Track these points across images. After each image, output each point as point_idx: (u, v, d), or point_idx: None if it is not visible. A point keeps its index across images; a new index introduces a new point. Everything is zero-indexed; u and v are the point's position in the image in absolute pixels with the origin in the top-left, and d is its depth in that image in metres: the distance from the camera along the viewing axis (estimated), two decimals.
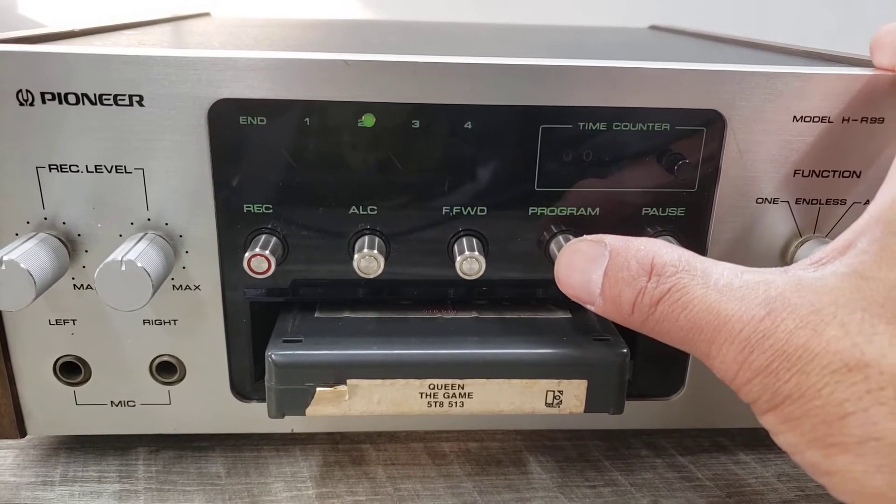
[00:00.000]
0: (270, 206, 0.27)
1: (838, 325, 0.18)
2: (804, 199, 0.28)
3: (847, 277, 0.19)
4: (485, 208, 0.27)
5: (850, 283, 0.18)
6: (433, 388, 0.26)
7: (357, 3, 0.90)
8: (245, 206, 0.27)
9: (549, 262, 0.27)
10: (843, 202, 0.28)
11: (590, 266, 0.23)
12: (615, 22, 0.75)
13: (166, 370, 0.29)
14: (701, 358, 0.21)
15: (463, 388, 0.26)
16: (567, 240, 0.27)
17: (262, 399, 0.29)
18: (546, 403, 0.26)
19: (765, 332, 0.19)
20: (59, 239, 0.26)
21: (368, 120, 0.26)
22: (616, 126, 0.27)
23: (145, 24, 0.41)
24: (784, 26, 0.91)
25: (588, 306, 0.24)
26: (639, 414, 0.31)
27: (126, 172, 0.26)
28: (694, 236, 0.28)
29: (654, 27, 0.64)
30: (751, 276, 0.20)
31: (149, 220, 0.26)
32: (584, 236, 0.24)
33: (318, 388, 0.25)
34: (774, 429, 0.19)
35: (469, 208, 0.27)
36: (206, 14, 0.59)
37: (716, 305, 0.20)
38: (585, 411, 0.26)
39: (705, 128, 0.27)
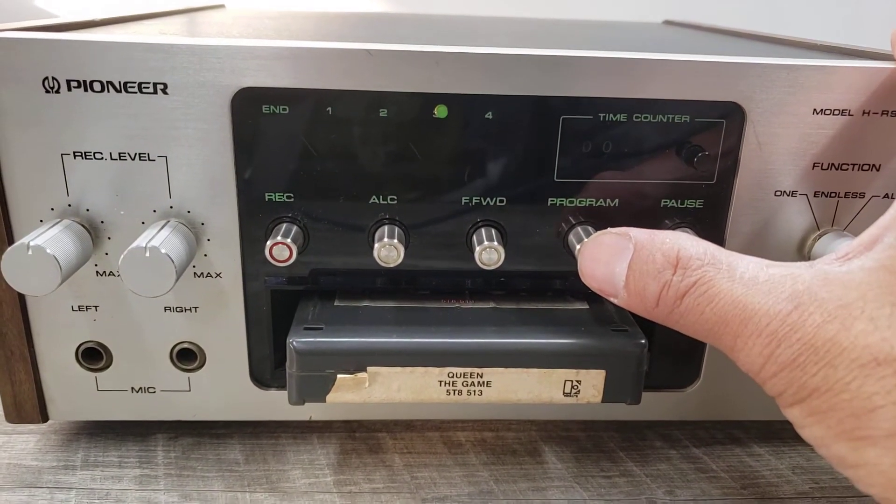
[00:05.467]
0: (292, 195, 0.27)
1: (867, 319, 0.18)
2: (823, 192, 0.28)
3: (875, 272, 0.19)
4: (504, 199, 0.27)
5: (877, 277, 0.19)
6: (452, 377, 0.26)
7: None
8: (267, 194, 0.27)
9: (568, 253, 0.28)
10: (862, 195, 0.28)
11: (614, 259, 0.23)
12: (625, 17, 0.75)
13: (186, 357, 0.29)
14: (725, 351, 0.21)
15: (481, 377, 0.26)
16: (586, 231, 0.27)
17: (281, 387, 0.29)
18: (564, 393, 0.26)
19: (792, 326, 0.19)
20: (83, 225, 0.26)
21: (391, 110, 0.26)
22: (636, 117, 0.27)
23: (163, 14, 0.41)
24: (794, 24, 0.90)
25: (612, 299, 0.24)
26: (654, 405, 0.31)
27: (149, 160, 0.26)
28: (712, 228, 0.28)
29: (668, 22, 0.64)
30: (777, 270, 0.20)
31: (171, 207, 0.26)
32: (609, 229, 0.24)
33: (338, 375, 0.25)
34: (800, 422, 0.19)
35: (488, 199, 0.27)
36: (221, 6, 0.59)
37: (742, 299, 0.20)
38: (603, 401, 0.26)
39: (725, 120, 0.27)
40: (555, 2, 0.89)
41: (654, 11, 0.73)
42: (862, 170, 0.28)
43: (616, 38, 0.43)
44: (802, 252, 0.29)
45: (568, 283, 0.29)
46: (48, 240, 0.24)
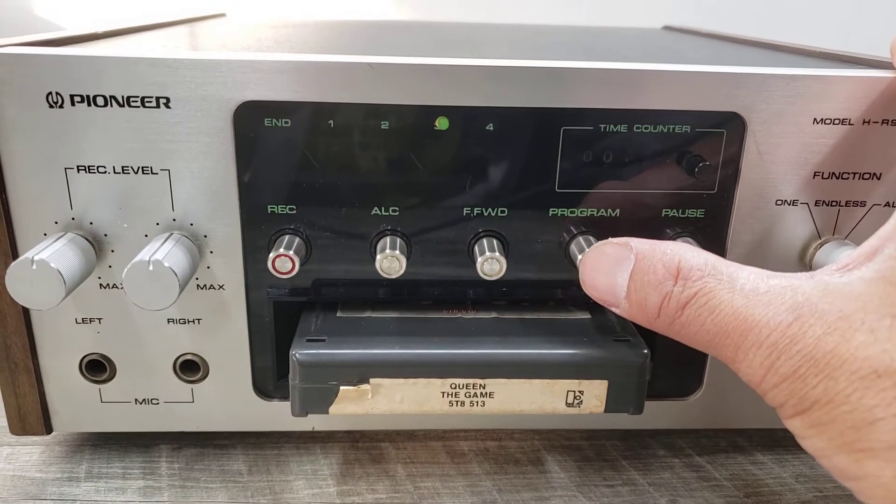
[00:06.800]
0: (294, 207, 0.27)
1: (867, 331, 0.18)
2: (824, 201, 0.28)
3: (875, 283, 0.19)
4: (505, 209, 0.28)
5: (878, 288, 0.19)
6: (455, 388, 0.26)
7: (369, 2, 0.90)
8: (269, 206, 0.27)
9: (570, 263, 0.28)
10: (863, 204, 0.28)
11: (615, 269, 0.23)
12: (626, 22, 0.75)
13: (190, 369, 0.29)
14: (726, 362, 0.21)
15: (484, 388, 0.26)
16: (587, 241, 0.27)
17: (284, 398, 0.30)
18: (567, 403, 0.26)
19: (792, 338, 0.19)
20: (87, 239, 0.26)
21: (392, 122, 0.26)
22: (636, 128, 0.27)
23: (165, 25, 0.41)
24: (793, 26, 0.90)
25: (613, 309, 0.24)
26: (656, 414, 0.31)
27: (152, 173, 0.26)
28: (713, 238, 0.28)
29: (667, 27, 0.64)
30: (777, 281, 0.20)
31: (174, 220, 0.27)
32: (610, 239, 0.24)
33: (341, 387, 0.25)
34: (801, 433, 0.19)
35: (490, 209, 0.27)
36: (222, 15, 0.59)
37: (742, 310, 0.20)
38: (606, 411, 0.26)
39: (725, 130, 0.27)
40: (557, 8, 0.89)
41: (654, 16, 0.74)
42: (863, 179, 0.28)
43: (616, 45, 0.43)
44: (804, 261, 0.29)
45: (570, 292, 0.29)
46: (52, 254, 0.24)
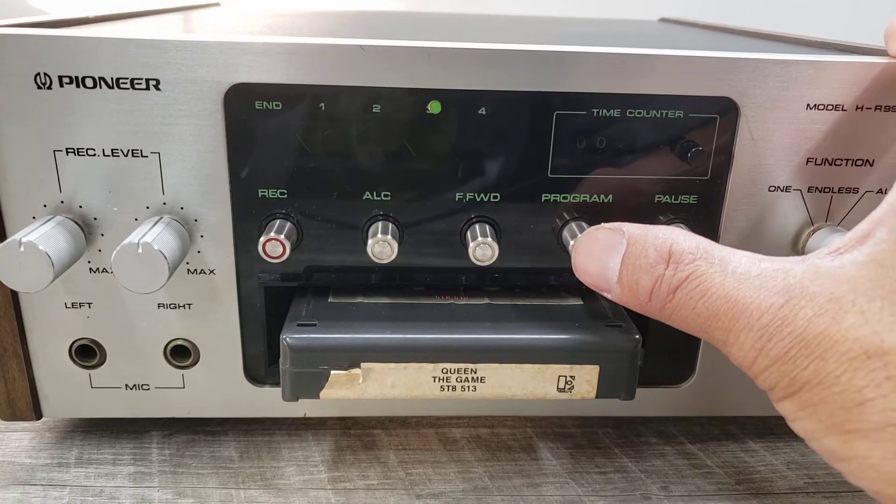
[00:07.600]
0: (285, 191, 0.27)
1: (857, 312, 0.18)
2: (817, 188, 0.28)
3: (866, 266, 0.19)
4: (498, 195, 0.27)
5: (868, 271, 0.19)
6: (446, 373, 0.26)
7: None
8: (260, 190, 0.27)
9: (562, 249, 0.28)
10: (856, 191, 0.28)
11: (607, 254, 0.23)
12: (622, 14, 0.75)
13: (180, 354, 0.29)
14: (718, 345, 0.21)
15: (475, 373, 0.26)
16: (580, 227, 0.27)
17: (275, 384, 0.29)
18: (558, 389, 0.26)
19: (783, 320, 0.19)
20: (76, 222, 0.26)
21: (384, 106, 0.26)
22: (630, 113, 0.27)
23: (158, 12, 0.41)
24: (792, 23, 0.90)
25: (605, 294, 0.24)
26: (648, 401, 0.31)
27: (142, 156, 0.26)
28: (706, 224, 0.28)
29: (664, 19, 0.64)
30: (769, 265, 0.20)
31: (164, 204, 0.26)
32: (602, 224, 0.24)
33: (332, 372, 0.25)
34: (792, 415, 0.19)
35: (482, 195, 0.27)
36: (217, 4, 0.59)
37: (734, 293, 0.20)
38: (597, 397, 0.26)
39: (719, 115, 0.27)
40: (554, 1, 0.89)
41: (651, 9, 0.73)
42: (855, 165, 0.28)
43: (611, 34, 0.43)
44: (797, 247, 0.29)
45: (562, 278, 0.29)
46: (40, 236, 0.24)
